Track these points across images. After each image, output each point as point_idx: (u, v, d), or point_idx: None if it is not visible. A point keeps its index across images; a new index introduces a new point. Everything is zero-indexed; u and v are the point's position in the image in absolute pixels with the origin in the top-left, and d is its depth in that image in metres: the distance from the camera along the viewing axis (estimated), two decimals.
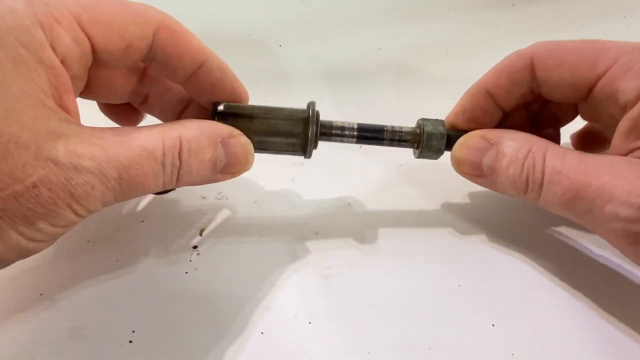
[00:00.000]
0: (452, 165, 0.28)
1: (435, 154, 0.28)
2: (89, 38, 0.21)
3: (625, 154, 0.24)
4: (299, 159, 0.28)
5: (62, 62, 0.21)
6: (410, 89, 0.40)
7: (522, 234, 0.30)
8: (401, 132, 0.28)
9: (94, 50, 0.22)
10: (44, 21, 0.20)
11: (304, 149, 0.27)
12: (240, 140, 0.25)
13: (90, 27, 0.21)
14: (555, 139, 0.31)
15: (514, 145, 0.26)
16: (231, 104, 0.26)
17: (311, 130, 0.27)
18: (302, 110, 0.27)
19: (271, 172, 0.33)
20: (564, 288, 0.28)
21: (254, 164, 0.26)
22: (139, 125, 0.30)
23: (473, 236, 0.30)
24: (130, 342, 0.25)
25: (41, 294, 0.27)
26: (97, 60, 0.22)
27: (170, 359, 0.25)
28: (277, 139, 0.27)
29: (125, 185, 0.21)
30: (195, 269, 0.28)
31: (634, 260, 0.24)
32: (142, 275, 0.28)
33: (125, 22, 0.22)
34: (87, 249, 0.29)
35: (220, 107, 0.26)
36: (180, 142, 0.23)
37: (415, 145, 0.28)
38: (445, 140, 0.28)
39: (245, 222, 0.31)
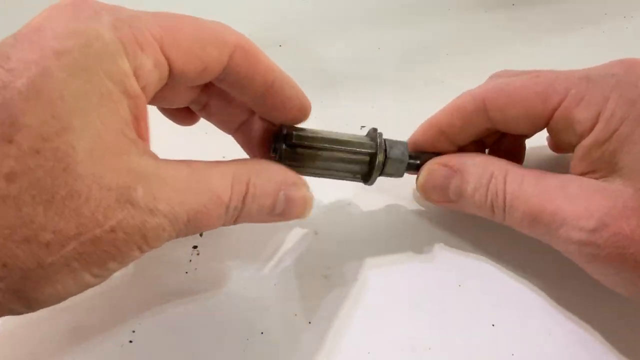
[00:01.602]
0: (420, 193, 0.29)
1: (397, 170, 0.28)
2: (168, 61, 0.21)
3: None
4: None
5: (143, 88, 0.20)
6: (410, 89, 0.40)
7: (522, 234, 0.30)
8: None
9: (170, 73, 0.21)
10: (128, 48, 0.19)
11: (366, 178, 0.27)
12: (303, 191, 0.25)
13: (170, 50, 0.21)
14: (521, 150, 0.31)
15: (477, 172, 0.26)
16: (299, 133, 0.26)
17: (377, 164, 0.27)
18: (370, 143, 0.27)
19: None
20: (564, 288, 0.28)
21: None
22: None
23: (473, 236, 0.30)
24: (130, 342, 0.25)
25: None
26: (171, 80, 0.22)
27: (170, 359, 0.25)
28: (340, 166, 0.27)
29: (191, 227, 0.21)
30: (195, 269, 0.28)
31: (594, 276, 0.25)
32: (142, 275, 0.28)
33: (204, 45, 0.21)
34: None
35: (287, 144, 0.25)
36: (247, 188, 0.22)
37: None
38: (407, 161, 0.28)
39: None
